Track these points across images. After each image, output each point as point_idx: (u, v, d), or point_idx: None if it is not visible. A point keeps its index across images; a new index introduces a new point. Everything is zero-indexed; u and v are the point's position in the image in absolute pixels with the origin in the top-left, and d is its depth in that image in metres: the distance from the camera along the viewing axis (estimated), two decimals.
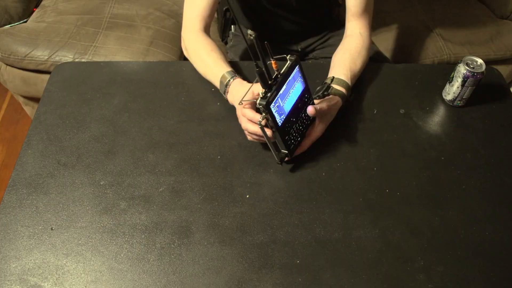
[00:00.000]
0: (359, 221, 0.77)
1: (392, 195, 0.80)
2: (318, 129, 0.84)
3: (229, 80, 0.89)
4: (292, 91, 0.78)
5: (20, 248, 0.71)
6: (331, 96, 0.88)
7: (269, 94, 0.73)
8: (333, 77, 0.92)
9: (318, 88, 0.91)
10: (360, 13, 1.01)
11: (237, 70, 1.01)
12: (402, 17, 1.60)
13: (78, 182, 0.80)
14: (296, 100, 0.80)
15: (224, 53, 0.98)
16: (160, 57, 1.42)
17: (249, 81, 0.94)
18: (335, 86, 0.90)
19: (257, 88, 0.79)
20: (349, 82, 0.91)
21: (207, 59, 0.95)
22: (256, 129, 0.78)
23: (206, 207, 0.77)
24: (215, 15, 1.37)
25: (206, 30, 1.00)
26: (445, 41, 1.51)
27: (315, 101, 0.86)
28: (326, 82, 0.91)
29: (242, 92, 0.82)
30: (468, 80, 0.90)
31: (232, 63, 1.03)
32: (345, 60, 0.96)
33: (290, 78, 0.77)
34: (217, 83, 0.93)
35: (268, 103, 0.72)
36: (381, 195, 0.80)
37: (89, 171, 0.82)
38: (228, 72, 0.90)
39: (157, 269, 0.70)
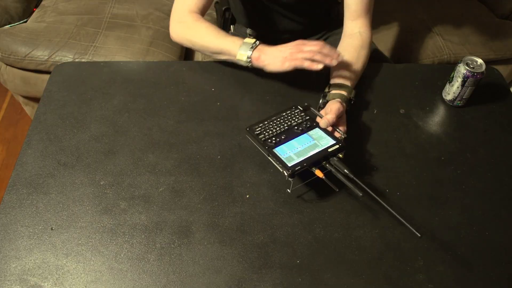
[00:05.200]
0: (359, 221, 0.77)
1: (392, 195, 0.80)
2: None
3: (255, 42, 0.89)
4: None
5: (20, 248, 0.71)
6: (330, 102, 0.87)
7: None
8: (330, 85, 0.92)
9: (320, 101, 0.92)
10: (361, 12, 1.00)
11: (237, 70, 1.01)
12: (402, 17, 1.60)
13: (78, 182, 0.80)
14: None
15: None
16: (160, 57, 1.42)
17: (246, 81, 0.95)
18: (333, 91, 0.90)
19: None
20: (348, 83, 0.91)
21: (218, 32, 0.94)
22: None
23: (206, 207, 0.77)
24: (215, 15, 1.37)
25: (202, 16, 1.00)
26: (445, 41, 1.51)
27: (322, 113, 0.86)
28: (324, 91, 0.92)
29: (274, 49, 0.89)
30: (468, 80, 0.90)
31: (231, 63, 1.03)
32: (344, 61, 0.96)
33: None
34: (235, 50, 0.91)
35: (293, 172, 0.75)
36: (381, 195, 0.80)
37: (89, 171, 0.82)
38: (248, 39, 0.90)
39: (157, 269, 0.70)
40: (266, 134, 0.81)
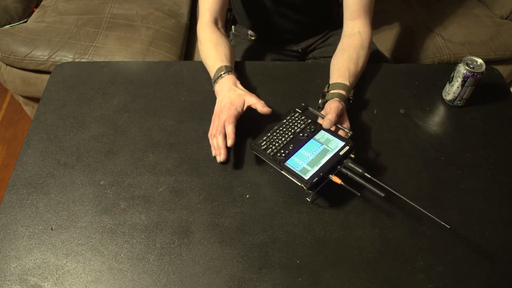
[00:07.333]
0: (359, 221, 0.77)
1: (392, 195, 0.80)
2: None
3: (224, 73, 0.90)
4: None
5: (20, 248, 0.71)
6: (329, 102, 0.87)
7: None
8: (329, 85, 0.92)
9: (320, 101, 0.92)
10: (360, 11, 1.00)
11: (238, 70, 1.01)
12: (402, 17, 1.60)
13: (78, 182, 0.80)
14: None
15: (231, 49, 0.98)
16: (160, 57, 1.42)
17: (246, 81, 0.95)
18: (332, 91, 0.90)
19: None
20: (347, 83, 0.91)
21: (210, 51, 0.95)
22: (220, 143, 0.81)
23: (206, 207, 0.77)
24: None
25: (217, 23, 1.00)
26: (445, 41, 1.51)
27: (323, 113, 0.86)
28: (323, 91, 0.92)
29: (229, 89, 0.86)
30: (468, 80, 0.90)
31: None
32: (343, 61, 0.95)
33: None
34: (212, 72, 0.93)
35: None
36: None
37: (89, 171, 0.82)
38: (226, 66, 0.91)
39: (157, 269, 0.70)
40: (273, 147, 0.79)
